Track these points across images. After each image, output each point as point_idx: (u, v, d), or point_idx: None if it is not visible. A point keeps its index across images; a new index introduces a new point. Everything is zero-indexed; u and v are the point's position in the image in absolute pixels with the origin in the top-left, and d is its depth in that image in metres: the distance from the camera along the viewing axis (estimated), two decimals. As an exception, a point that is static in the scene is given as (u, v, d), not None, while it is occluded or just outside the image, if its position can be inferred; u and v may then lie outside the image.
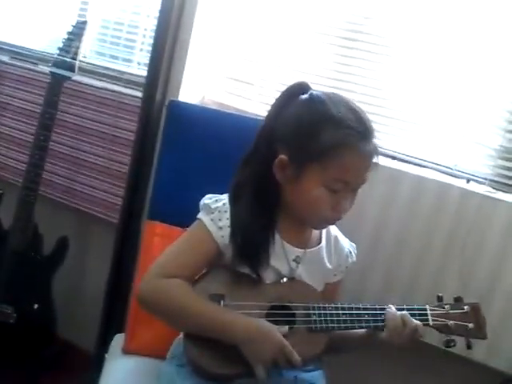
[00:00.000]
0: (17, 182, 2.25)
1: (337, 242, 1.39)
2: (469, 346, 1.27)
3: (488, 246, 1.64)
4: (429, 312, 1.28)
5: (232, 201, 1.27)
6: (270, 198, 1.27)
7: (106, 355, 1.62)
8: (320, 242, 1.36)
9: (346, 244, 1.42)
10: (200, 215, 1.28)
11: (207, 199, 1.28)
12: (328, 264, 1.36)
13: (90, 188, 2.24)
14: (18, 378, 2.08)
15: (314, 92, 1.26)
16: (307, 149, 1.20)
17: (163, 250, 1.29)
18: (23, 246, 2.10)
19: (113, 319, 2.00)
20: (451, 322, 1.27)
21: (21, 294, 2.10)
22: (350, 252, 1.41)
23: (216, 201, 1.27)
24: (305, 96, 1.25)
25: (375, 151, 1.22)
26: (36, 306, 2.12)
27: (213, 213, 1.26)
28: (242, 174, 1.29)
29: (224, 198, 1.28)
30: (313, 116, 1.21)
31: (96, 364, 1.68)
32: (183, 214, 1.31)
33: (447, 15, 1.75)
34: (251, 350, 1.18)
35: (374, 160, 1.23)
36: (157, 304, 1.24)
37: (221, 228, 1.24)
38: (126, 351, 1.57)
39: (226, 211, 1.25)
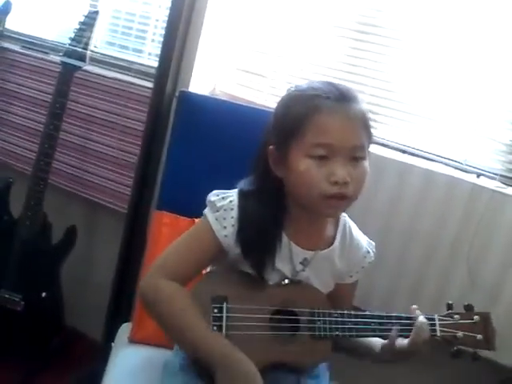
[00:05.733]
0: (26, 171, 2.26)
1: (353, 240, 1.34)
2: (475, 358, 1.25)
3: (498, 241, 1.64)
4: (437, 322, 1.25)
5: (241, 198, 1.24)
6: (275, 197, 1.24)
7: (113, 344, 1.63)
8: (333, 242, 1.31)
9: (364, 242, 1.36)
10: (205, 211, 1.25)
11: (213, 196, 1.25)
12: (339, 265, 1.32)
13: (99, 178, 2.25)
14: (25, 365, 2.09)
15: None
16: (284, 128, 1.20)
17: (171, 240, 1.28)
18: (32, 234, 2.10)
19: (120, 308, 2.01)
20: (460, 332, 1.24)
21: (29, 282, 2.11)
22: (368, 252, 1.36)
23: (222, 198, 1.24)
24: None
25: (359, 113, 1.18)
26: (44, 294, 2.12)
27: (218, 211, 1.23)
28: (251, 177, 1.28)
29: (231, 195, 1.25)
30: (287, 99, 1.24)
31: (102, 353, 1.69)
32: (192, 205, 1.31)
33: (459, 9, 1.74)
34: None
35: (363, 123, 1.19)
36: (155, 309, 1.22)
37: (225, 227, 1.22)
38: (133, 340, 1.58)
39: (232, 209, 1.22)
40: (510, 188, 1.69)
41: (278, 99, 1.27)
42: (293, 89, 1.25)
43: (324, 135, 1.15)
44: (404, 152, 1.82)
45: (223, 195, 1.25)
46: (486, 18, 1.71)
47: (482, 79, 1.74)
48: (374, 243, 1.39)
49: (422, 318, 1.23)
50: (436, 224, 1.70)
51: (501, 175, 1.71)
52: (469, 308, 1.27)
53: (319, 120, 1.15)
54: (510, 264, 1.63)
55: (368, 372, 1.64)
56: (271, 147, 1.22)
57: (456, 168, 1.76)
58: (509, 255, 1.64)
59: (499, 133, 1.73)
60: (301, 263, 1.28)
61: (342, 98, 1.17)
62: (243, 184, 1.28)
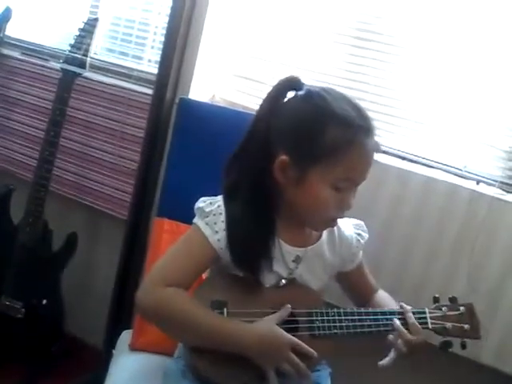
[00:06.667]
0: (27, 177, 2.26)
1: (341, 232, 1.34)
2: (464, 347, 1.28)
3: (497, 247, 1.64)
4: (428, 315, 1.28)
5: (226, 203, 1.23)
6: (269, 200, 1.23)
7: (114, 351, 1.63)
8: (321, 236, 1.32)
9: (351, 230, 1.37)
10: (195, 219, 1.25)
11: (201, 202, 1.25)
12: (331, 257, 1.33)
13: (99, 184, 2.25)
14: (26, 372, 2.09)
15: (312, 87, 1.21)
16: (311, 149, 1.15)
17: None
18: (33, 241, 2.10)
19: (121, 315, 2.01)
20: (448, 324, 1.28)
21: (30, 289, 2.11)
22: (359, 234, 1.37)
23: (210, 203, 1.23)
24: (302, 92, 1.21)
25: (378, 146, 1.21)
26: (45, 301, 2.12)
27: (207, 216, 1.22)
28: (235, 174, 1.24)
29: (219, 200, 1.24)
30: (315, 114, 1.17)
31: (103, 360, 1.69)
32: (192, 212, 1.30)
33: (458, 16, 1.74)
34: (261, 358, 1.18)
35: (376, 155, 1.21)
36: (158, 315, 1.21)
37: (217, 232, 1.21)
38: (134, 348, 1.58)
39: (220, 213, 1.21)
40: (509, 195, 1.69)
41: (279, 91, 1.22)
42: (317, 98, 1.18)
43: (354, 172, 1.18)
44: (403, 159, 1.82)
45: (211, 200, 1.24)
46: (486, 26, 1.71)
47: (481, 86, 1.74)
48: (362, 222, 1.40)
49: (412, 319, 1.26)
50: (436, 231, 1.70)
51: (500, 182, 1.71)
52: (453, 300, 1.31)
53: (355, 157, 1.16)
54: (511, 270, 1.63)
55: (369, 379, 1.64)
56: (285, 158, 1.17)
57: (455, 175, 1.77)
58: (509, 261, 1.64)
59: (499, 139, 1.73)
60: (293, 261, 1.28)
61: (371, 130, 1.18)
62: (228, 188, 1.25)
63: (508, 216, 1.63)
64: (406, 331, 1.23)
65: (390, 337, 1.25)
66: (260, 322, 1.19)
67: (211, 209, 1.22)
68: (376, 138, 1.20)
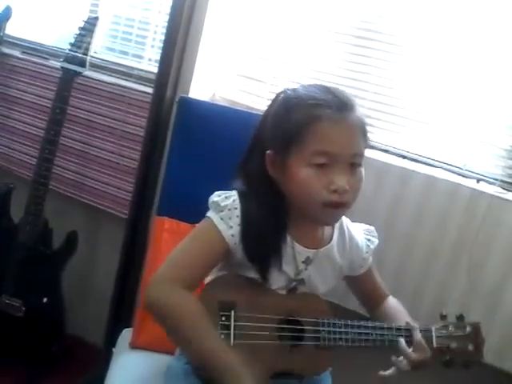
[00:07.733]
0: (27, 176, 2.26)
1: (351, 236, 1.35)
2: (466, 365, 1.28)
3: (497, 246, 1.64)
4: (434, 334, 1.28)
5: (241, 198, 1.22)
6: (278, 198, 1.23)
7: (114, 350, 1.63)
8: (332, 239, 1.31)
9: (361, 236, 1.37)
10: (209, 213, 1.23)
11: (216, 196, 1.24)
12: (340, 260, 1.32)
13: (99, 183, 2.25)
14: (27, 371, 2.09)
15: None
16: (284, 134, 1.19)
17: (172, 246, 1.26)
18: (33, 240, 2.11)
19: (121, 314, 2.01)
20: (453, 343, 1.27)
21: (30, 287, 2.11)
22: (369, 239, 1.38)
23: (226, 198, 1.22)
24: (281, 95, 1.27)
25: (358, 122, 1.18)
26: (45, 299, 2.13)
27: (222, 211, 1.21)
28: (246, 173, 1.27)
29: (234, 195, 1.23)
30: (286, 104, 1.22)
31: (104, 359, 1.69)
32: (192, 210, 1.30)
33: (460, 15, 1.74)
34: None
35: (361, 131, 1.19)
36: (162, 314, 1.18)
37: (231, 227, 1.20)
38: (134, 346, 1.58)
39: (236, 208, 1.21)
40: (509, 193, 1.69)
41: (274, 101, 1.26)
42: (290, 92, 1.23)
43: (325, 143, 1.15)
44: (404, 158, 1.83)
45: (226, 195, 1.23)
46: (486, 26, 1.71)
47: (481, 85, 1.74)
48: (372, 228, 1.41)
49: (419, 337, 1.25)
50: (436, 229, 1.71)
51: (501, 180, 1.71)
52: (460, 318, 1.30)
53: (320, 129, 1.15)
54: (511, 269, 1.63)
55: (369, 378, 1.64)
56: (269, 152, 1.22)
57: (456, 173, 1.77)
58: (509, 259, 1.64)
59: (499, 138, 1.73)
60: (303, 262, 1.27)
61: (342, 106, 1.17)
62: (239, 185, 1.26)
63: (508, 214, 1.63)
64: (410, 352, 1.24)
65: (394, 358, 1.25)
66: (253, 373, 1.12)
67: (226, 203, 1.21)
68: (356, 113, 1.18)
